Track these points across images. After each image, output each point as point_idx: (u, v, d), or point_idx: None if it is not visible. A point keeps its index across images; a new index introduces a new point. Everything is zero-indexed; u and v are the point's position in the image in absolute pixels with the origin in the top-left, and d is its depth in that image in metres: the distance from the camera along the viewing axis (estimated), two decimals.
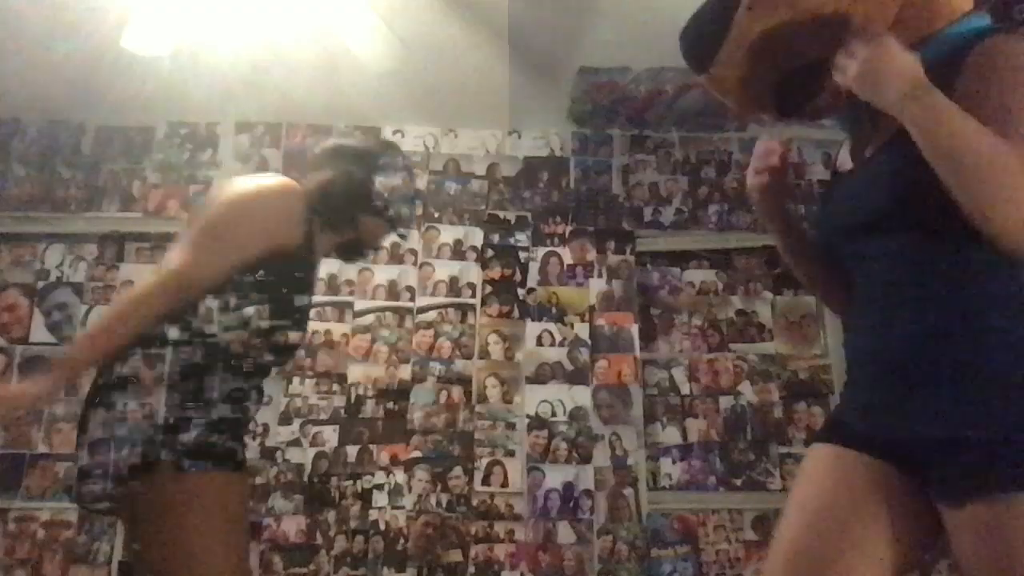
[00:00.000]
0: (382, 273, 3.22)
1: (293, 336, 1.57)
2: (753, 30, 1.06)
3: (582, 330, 3.18)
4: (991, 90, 1.01)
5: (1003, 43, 1.04)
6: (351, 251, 1.85)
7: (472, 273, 3.25)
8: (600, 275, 3.27)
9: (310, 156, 1.80)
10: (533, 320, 3.19)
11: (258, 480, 2.85)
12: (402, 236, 1.90)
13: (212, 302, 1.49)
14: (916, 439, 1.07)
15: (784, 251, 1.37)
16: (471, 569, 2.86)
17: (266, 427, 2.94)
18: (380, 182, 1.72)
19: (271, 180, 1.62)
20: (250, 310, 1.49)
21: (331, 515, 2.89)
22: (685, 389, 3.20)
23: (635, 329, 3.19)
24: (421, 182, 3.38)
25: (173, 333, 1.47)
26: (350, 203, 1.68)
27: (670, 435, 3.15)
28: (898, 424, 1.09)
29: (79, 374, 1.44)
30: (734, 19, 1.06)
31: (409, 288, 3.21)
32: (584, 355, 3.14)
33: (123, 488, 1.41)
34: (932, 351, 1.04)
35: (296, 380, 3.02)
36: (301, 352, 1.82)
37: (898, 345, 1.09)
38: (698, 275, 3.36)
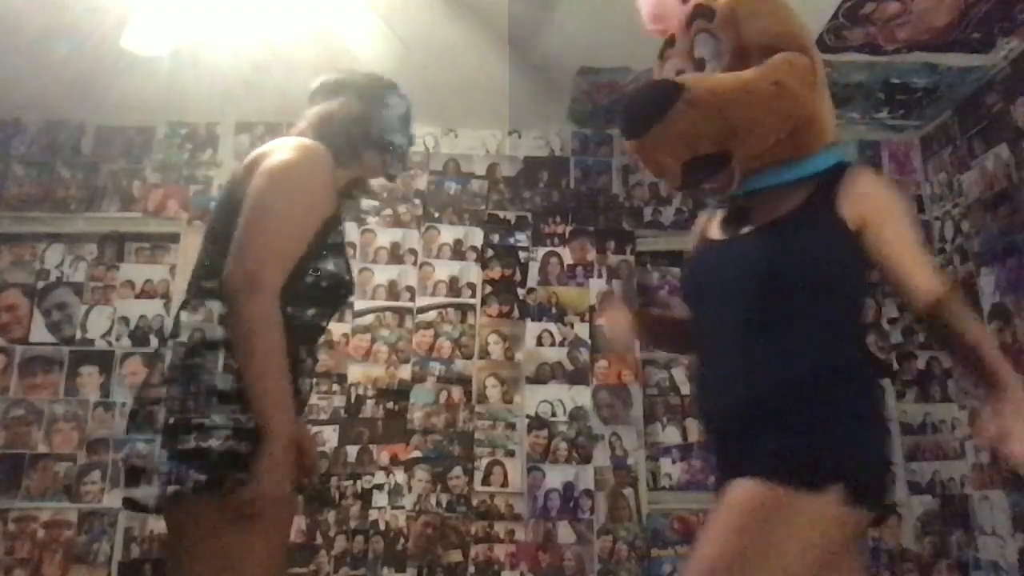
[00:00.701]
0: (382, 273, 3.22)
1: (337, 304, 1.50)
2: (683, 121, 1.27)
3: (582, 330, 3.18)
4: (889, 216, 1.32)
5: (868, 172, 1.36)
6: (351, 192, 1.72)
7: (472, 273, 3.25)
8: (600, 275, 3.27)
9: (311, 89, 1.71)
10: (533, 320, 3.19)
11: None
12: (391, 177, 1.74)
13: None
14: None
15: (653, 343, 1.64)
16: (471, 569, 2.86)
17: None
18: (379, 115, 1.65)
19: (297, 146, 1.45)
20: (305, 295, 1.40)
21: (331, 515, 2.89)
22: (685, 389, 3.21)
23: None
24: (421, 182, 3.39)
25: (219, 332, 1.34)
26: (348, 134, 1.59)
27: (670, 435, 3.15)
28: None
29: (281, 434, 1.25)
30: (672, 108, 1.26)
31: (409, 288, 3.21)
32: (584, 355, 3.14)
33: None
34: (752, 417, 1.26)
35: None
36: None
37: (727, 406, 1.33)
38: None
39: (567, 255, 3.30)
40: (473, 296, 3.21)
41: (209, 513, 1.26)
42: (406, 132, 1.72)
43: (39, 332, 3.12)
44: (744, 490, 1.18)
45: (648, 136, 1.31)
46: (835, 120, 1.44)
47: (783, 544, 1.13)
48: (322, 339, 1.57)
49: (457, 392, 3.08)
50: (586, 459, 3.01)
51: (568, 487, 2.97)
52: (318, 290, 1.42)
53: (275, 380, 1.28)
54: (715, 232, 1.47)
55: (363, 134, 1.62)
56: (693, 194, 3.25)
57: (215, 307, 1.35)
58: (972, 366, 1.26)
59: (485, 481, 2.97)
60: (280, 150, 1.44)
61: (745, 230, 1.39)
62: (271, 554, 1.32)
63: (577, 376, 3.12)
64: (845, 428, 1.20)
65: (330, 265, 1.44)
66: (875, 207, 1.30)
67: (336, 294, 1.49)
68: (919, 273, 1.29)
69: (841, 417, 1.21)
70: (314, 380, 1.59)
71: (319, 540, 2.85)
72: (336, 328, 3.11)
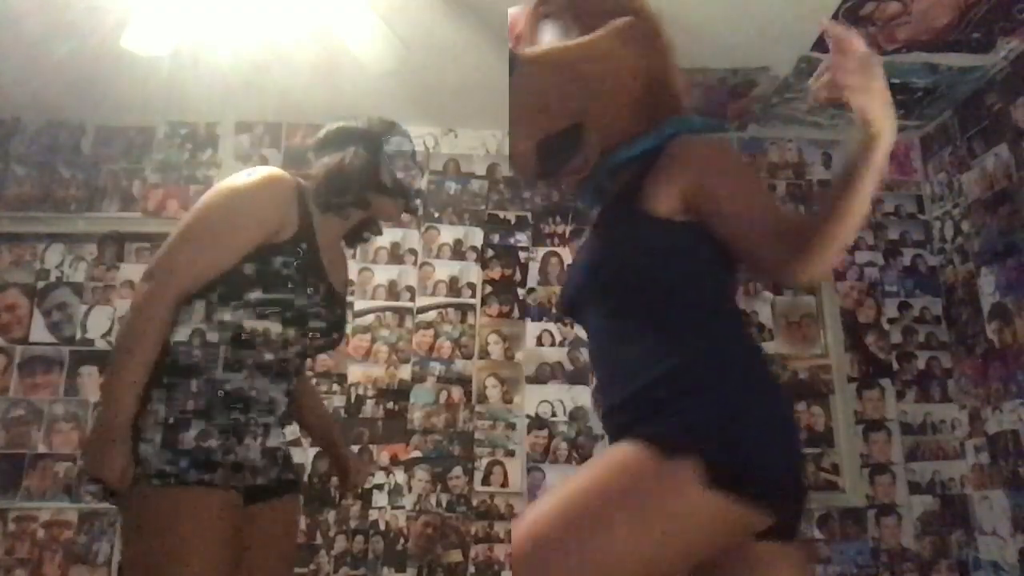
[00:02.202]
0: (382, 273, 3.22)
1: (290, 333, 1.50)
2: (527, 84, 1.25)
3: (582, 330, 3.17)
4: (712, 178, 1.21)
5: (706, 137, 1.27)
6: (361, 233, 1.78)
7: (472, 273, 3.25)
8: None
9: (314, 142, 1.75)
10: (533, 320, 3.19)
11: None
12: (413, 210, 1.83)
13: (200, 301, 1.45)
14: None
15: None
16: (471, 569, 2.86)
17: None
18: (387, 159, 1.68)
19: (257, 172, 1.55)
20: (240, 310, 1.45)
21: (331, 515, 2.89)
22: None
23: None
24: (421, 182, 3.38)
25: (176, 335, 1.44)
26: (360, 184, 1.63)
27: None
28: None
29: (123, 411, 1.33)
30: (513, 74, 1.24)
31: (409, 288, 3.21)
32: (584, 355, 3.14)
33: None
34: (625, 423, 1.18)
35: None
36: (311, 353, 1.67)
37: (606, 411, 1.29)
38: None
39: (567, 255, 3.30)
40: (473, 296, 3.21)
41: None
42: (414, 167, 1.75)
43: (39, 332, 3.12)
44: (607, 452, 1.14)
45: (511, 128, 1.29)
46: (687, 90, 1.39)
47: (636, 504, 1.04)
48: (294, 379, 1.61)
49: (457, 392, 3.08)
50: (586, 459, 3.01)
51: None
52: (254, 315, 1.47)
53: (124, 367, 1.36)
54: None
55: (374, 182, 1.66)
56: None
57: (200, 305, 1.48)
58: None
59: (485, 481, 2.97)
60: (241, 173, 1.54)
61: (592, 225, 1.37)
62: (195, 558, 1.31)
63: (577, 376, 3.12)
64: (707, 410, 1.10)
65: (273, 293, 1.47)
66: (693, 181, 1.19)
67: (288, 323, 1.50)
68: (767, 252, 1.14)
69: (705, 402, 1.11)
70: (278, 416, 1.61)
71: (319, 540, 2.85)
72: None
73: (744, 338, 1.27)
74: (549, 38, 1.35)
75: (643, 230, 1.21)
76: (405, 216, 2.04)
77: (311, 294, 1.53)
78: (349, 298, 3.18)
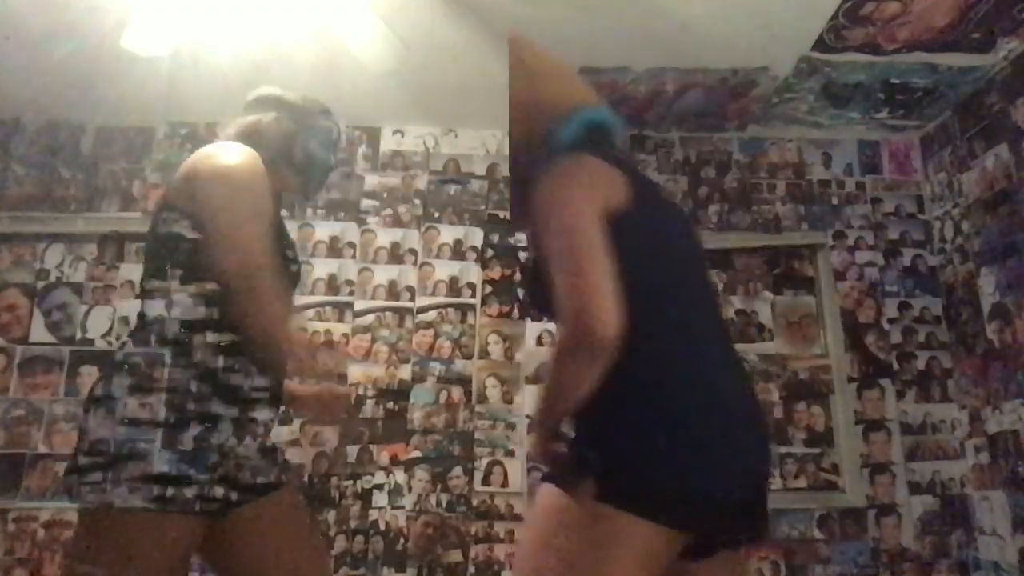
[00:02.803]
0: (382, 273, 3.22)
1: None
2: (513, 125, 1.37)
3: None
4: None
5: (546, 170, 1.25)
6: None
7: (472, 273, 3.25)
8: None
9: (248, 98, 1.72)
10: (533, 320, 3.19)
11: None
12: (309, 193, 1.77)
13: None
14: None
15: None
16: (471, 569, 2.86)
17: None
18: (305, 134, 1.66)
19: (234, 150, 1.52)
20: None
21: (331, 515, 2.89)
22: None
23: None
24: (421, 182, 3.39)
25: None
26: (276, 150, 1.61)
27: None
28: None
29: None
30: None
31: (409, 288, 3.21)
32: None
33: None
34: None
35: (296, 380, 3.01)
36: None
37: None
38: None
39: None
40: (473, 296, 3.21)
41: None
42: (329, 155, 1.73)
43: (39, 332, 3.12)
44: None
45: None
46: (571, 90, 1.44)
47: (548, 538, 1.13)
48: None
49: (457, 392, 3.08)
50: None
51: None
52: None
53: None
54: None
55: (286, 152, 1.65)
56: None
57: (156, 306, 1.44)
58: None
59: (485, 481, 2.97)
60: (221, 155, 1.51)
61: None
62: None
63: None
64: (599, 435, 1.15)
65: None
66: (533, 222, 1.24)
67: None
68: (559, 314, 1.13)
69: (598, 427, 1.15)
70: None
71: None
72: (336, 328, 3.11)
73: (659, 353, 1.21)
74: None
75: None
76: (299, 200, 1.99)
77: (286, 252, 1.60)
78: (349, 298, 3.19)
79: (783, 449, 3.09)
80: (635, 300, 1.10)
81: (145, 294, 1.47)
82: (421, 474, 2.96)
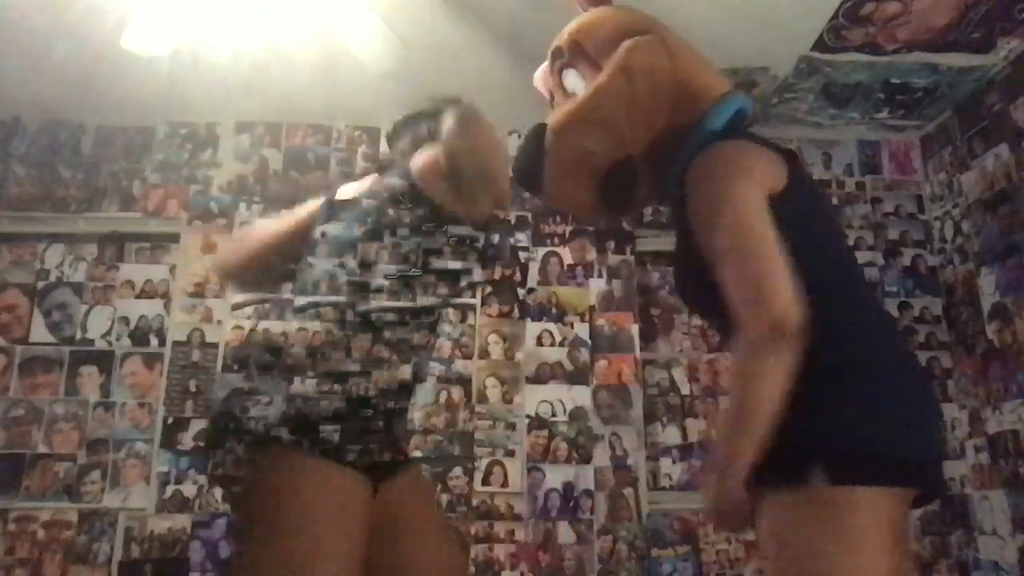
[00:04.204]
0: None
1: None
2: (562, 149, 1.33)
3: (582, 330, 3.18)
4: (699, 207, 1.18)
5: (706, 155, 1.20)
6: None
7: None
8: (600, 275, 3.27)
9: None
10: (533, 320, 3.19)
11: None
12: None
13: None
14: None
15: None
16: (471, 569, 2.86)
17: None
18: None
19: None
20: None
21: None
22: (685, 389, 3.21)
23: (635, 329, 3.19)
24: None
25: None
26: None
27: (670, 435, 3.15)
28: None
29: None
30: (545, 145, 1.33)
31: None
32: (584, 355, 3.14)
33: None
34: None
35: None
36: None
37: None
38: None
39: (567, 255, 3.30)
40: (473, 296, 3.21)
41: None
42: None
43: (39, 332, 3.12)
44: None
45: (547, 182, 1.37)
46: (716, 78, 1.37)
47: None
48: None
49: (457, 392, 3.08)
50: (586, 459, 3.01)
51: (568, 487, 2.97)
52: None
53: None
54: None
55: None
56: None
57: None
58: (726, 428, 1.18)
59: (485, 481, 2.97)
60: None
61: None
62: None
63: (577, 376, 3.12)
64: (811, 421, 1.13)
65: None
66: (694, 212, 1.18)
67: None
68: (738, 311, 1.10)
69: (808, 414, 1.13)
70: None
71: None
72: None
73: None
74: (572, 84, 1.41)
75: (689, 239, 1.21)
76: None
77: None
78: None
79: None
80: (814, 280, 1.10)
81: None
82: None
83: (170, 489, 2.91)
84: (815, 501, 1.05)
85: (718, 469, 1.12)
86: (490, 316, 3.19)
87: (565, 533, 2.91)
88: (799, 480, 1.05)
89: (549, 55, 1.46)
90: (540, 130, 1.36)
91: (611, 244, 3.31)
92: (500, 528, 2.91)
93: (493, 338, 3.16)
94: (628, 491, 2.98)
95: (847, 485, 1.04)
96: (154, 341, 3.10)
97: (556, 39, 1.44)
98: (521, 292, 3.23)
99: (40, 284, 3.18)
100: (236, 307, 3.03)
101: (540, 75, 1.50)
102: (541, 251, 3.30)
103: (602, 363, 3.14)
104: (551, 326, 3.19)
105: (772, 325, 1.05)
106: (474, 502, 2.95)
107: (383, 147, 3.42)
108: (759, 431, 1.06)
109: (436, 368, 3.10)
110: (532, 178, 1.39)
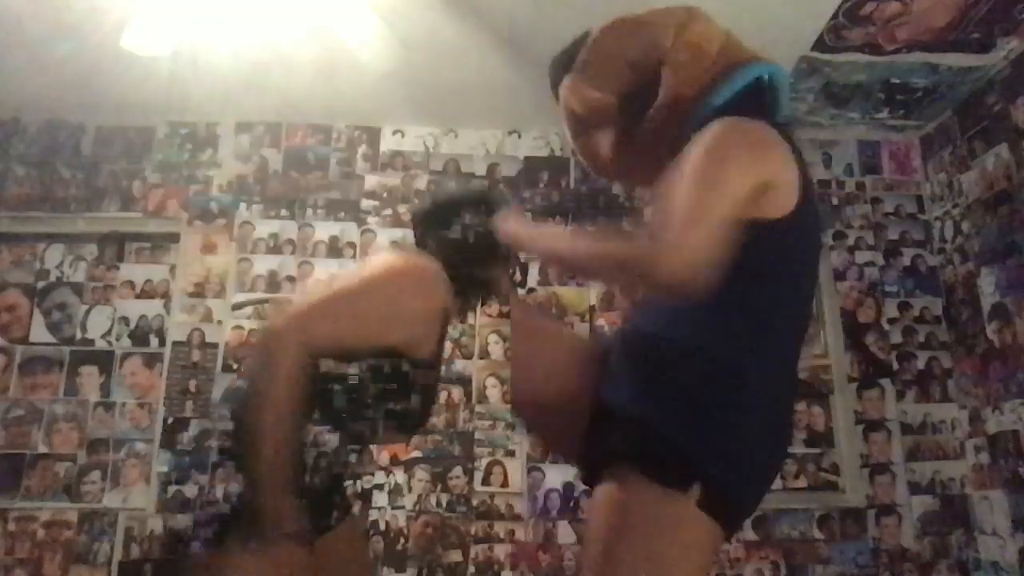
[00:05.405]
0: None
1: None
2: (604, 42, 1.42)
3: (582, 330, 3.18)
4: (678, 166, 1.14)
5: (713, 127, 1.16)
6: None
7: None
8: None
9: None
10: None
11: None
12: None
13: None
14: None
15: None
16: (471, 569, 2.86)
17: None
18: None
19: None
20: None
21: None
22: None
23: None
24: (421, 182, 3.38)
25: None
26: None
27: None
28: None
29: None
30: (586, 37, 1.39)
31: None
32: None
33: None
34: None
35: None
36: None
37: None
38: None
39: None
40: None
41: None
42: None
43: (39, 332, 3.12)
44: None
45: (577, 64, 1.39)
46: (738, 46, 1.37)
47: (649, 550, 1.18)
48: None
49: (457, 392, 3.08)
50: None
51: (568, 487, 2.97)
52: None
53: None
54: None
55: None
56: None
57: None
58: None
59: (485, 481, 2.97)
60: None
61: None
62: None
63: None
64: (710, 437, 1.20)
65: None
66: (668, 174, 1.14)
67: None
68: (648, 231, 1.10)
69: (708, 427, 1.20)
70: None
71: None
72: None
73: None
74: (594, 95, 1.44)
75: None
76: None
77: None
78: None
79: None
80: (762, 316, 1.14)
81: None
82: (421, 474, 2.96)
83: (170, 489, 2.91)
84: (679, 506, 1.10)
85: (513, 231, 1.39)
86: (490, 316, 3.19)
87: (565, 533, 2.91)
88: (682, 486, 1.10)
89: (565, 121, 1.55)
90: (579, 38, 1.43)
91: None
92: (500, 528, 2.91)
93: (493, 338, 3.16)
94: None
95: (710, 511, 1.11)
96: (154, 341, 3.10)
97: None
98: (521, 292, 3.23)
99: (40, 284, 3.18)
100: (236, 307, 3.03)
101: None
102: None
103: None
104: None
105: (665, 262, 1.02)
106: (474, 502, 2.94)
107: (383, 146, 3.42)
108: (540, 254, 1.34)
109: None
110: (562, 67, 1.50)
